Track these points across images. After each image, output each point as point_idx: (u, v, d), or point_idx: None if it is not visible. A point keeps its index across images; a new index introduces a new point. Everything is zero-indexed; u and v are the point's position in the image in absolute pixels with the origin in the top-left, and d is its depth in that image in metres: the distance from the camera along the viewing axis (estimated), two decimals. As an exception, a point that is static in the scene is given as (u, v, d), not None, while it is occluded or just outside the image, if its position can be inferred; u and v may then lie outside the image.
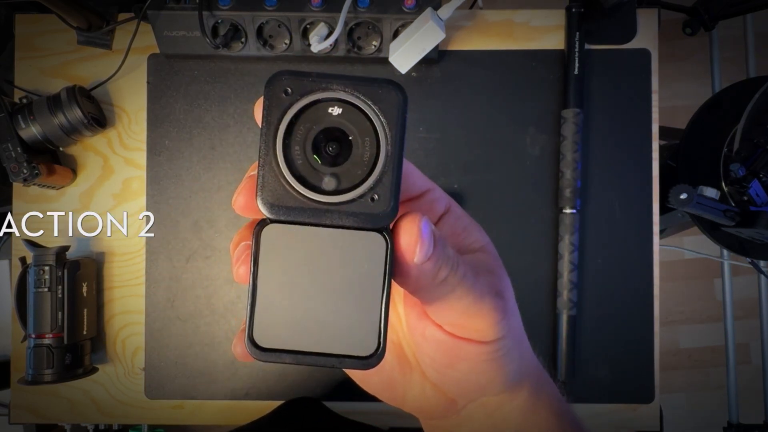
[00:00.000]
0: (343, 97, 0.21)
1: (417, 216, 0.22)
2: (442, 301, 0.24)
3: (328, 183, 0.21)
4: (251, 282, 0.21)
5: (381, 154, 0.21)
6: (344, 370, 0.24)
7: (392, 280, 0.22)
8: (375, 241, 0.21)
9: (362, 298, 0.21)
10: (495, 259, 0.29)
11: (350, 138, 0.21)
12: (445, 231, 0.28)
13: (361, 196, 0.21)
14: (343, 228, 0.21)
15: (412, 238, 0.22)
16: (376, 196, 0.21)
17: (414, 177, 0.27)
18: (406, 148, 0.23)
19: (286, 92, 0.21)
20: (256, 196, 0.21)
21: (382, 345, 0.22)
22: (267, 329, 0.21)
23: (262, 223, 0.21)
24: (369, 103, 0.21)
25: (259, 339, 0.21)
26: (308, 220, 0.21)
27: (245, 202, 0.22)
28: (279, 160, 0.21)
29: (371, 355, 0.22)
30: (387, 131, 0.21)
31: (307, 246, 0.21)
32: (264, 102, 0.21)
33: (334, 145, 0.21)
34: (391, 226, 0.22)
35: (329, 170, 0.21)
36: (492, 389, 0.28)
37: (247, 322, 0.21)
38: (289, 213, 0.21)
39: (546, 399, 0.30)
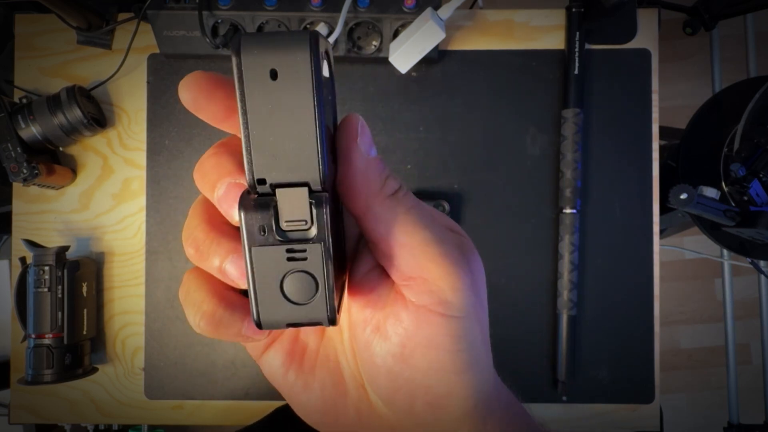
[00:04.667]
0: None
1: (355, 114, 0.23)
2: (398, 228, 0.23)
3: None
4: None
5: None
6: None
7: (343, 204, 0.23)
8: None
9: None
10: (467, 241, 0.25)
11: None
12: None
13: None
14: None
15: (352, 123, 0.22)
16: None
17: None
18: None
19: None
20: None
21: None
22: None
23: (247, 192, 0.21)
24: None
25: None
26: None
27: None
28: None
29: None
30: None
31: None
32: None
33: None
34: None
35: None
36: (447, 400, 0.24)
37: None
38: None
39: None
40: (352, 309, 0.25)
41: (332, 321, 0.21)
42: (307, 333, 0.26)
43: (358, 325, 0.25)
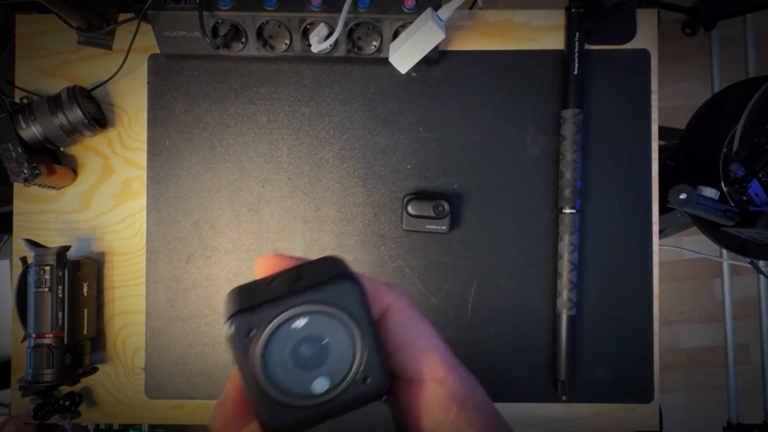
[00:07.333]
0: (302, 311, 0.21)
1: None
2: None
3: (320, 385, 0.22)
4: None
5: (357, 343, 0.22)
6: None
7: None
8: (379, 409, 0.23)
9: None
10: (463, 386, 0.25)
11: (324, 341, 0.22)
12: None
13: (354, 382, 0.22)
14: (347, 412, 0.22)
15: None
16: (368, 378, 0.22)
17: (408, 352, 0.25)
18: None
19: (248, 333, 0.21)
20: (260, 423, 0.22)
21: None
22: None
23: None
24: (329, 307, 0.22)
25: None
26: (315, 421, 0.22)
27: (220, 425, 0.23)
28: (267, 389, 0.22)
29: None
30: (356, 323, 0.22)
31: None
32: (232, 348, 0.21)
33: (310, 351, 0.22)
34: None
35: (315, 374, 0.22)
36: None
37: None
38: (295, 425, 0.22)
39: None
40: None
41: None
42: None
43: None
